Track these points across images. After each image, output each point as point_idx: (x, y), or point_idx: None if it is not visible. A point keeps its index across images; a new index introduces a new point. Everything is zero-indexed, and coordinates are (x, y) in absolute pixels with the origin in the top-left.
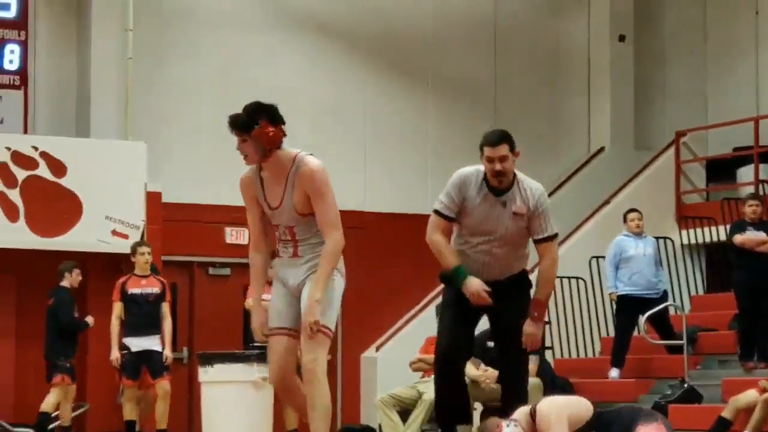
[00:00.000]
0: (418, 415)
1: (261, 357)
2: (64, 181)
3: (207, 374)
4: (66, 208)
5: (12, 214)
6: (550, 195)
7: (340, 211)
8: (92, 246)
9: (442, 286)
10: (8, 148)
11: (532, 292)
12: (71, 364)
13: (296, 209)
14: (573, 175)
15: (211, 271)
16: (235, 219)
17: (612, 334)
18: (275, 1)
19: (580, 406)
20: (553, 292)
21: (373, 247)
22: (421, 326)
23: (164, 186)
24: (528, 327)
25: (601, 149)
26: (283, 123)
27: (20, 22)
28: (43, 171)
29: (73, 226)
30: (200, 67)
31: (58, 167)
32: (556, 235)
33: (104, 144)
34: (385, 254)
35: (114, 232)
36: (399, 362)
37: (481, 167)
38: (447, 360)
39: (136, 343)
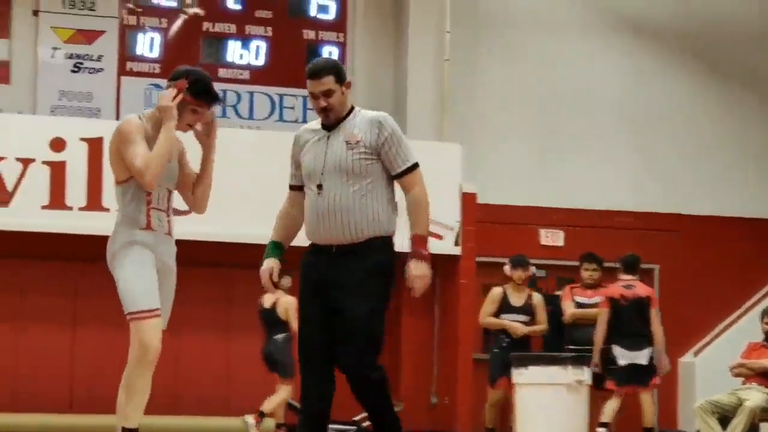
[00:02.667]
0: (738, 423)
1: (576, 360)
2: None
3: (522, 376)
4: None
5: None
6: None
7: (656, 214)
8: (406, 247)
9: (766, 289)
10: None
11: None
12: None
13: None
14: None
15: None
16: (550, 221)
17: None
18: (590, 2)
19: None
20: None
21: (692, 250)
22: (743, 331)
23: (479, 187)
24: (413, 268)
25: None
26: None
27: (339, 24)
28: None
29: None
30: (516, 69)
31: None
32: (416, 165)
33: (420, 145)
34: (704, 257)
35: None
36: (719, 368)
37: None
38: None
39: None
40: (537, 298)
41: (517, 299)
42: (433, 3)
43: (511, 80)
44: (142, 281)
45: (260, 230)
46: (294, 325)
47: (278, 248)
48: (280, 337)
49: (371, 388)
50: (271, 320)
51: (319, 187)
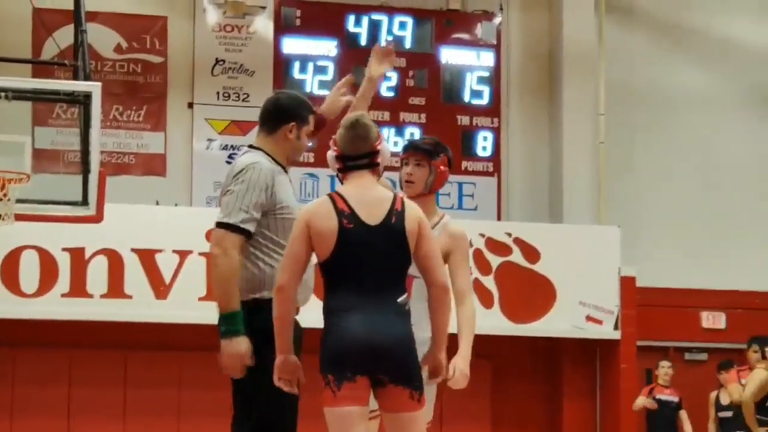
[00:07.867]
0: None
1: None
2: (537, 267)
3: None
4: (540, 294)
5: (487, 300)
6: None
7: None
8: (566, 332)
9: None
10: (482, 235)
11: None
12: None
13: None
14: None
15: (687, 356)
16: (711, 303)
17: None
18: (744, 79)
19: None
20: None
21: None
22: None
23: (638, 270)
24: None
25: None
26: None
27: (493, 109)
28: (517, 257)
29: (546, 312)
30: (672, 149)
31: (531, 253)
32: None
33: (577, 229)
34: None
35: (588, 318)
36: None
37: None
38: None
39: None
40: None
41: None
42: (587, 86)
43: (668, 161)
44: None
45: None
46: None
47: None
48: None
49: None
50: None
51: None
